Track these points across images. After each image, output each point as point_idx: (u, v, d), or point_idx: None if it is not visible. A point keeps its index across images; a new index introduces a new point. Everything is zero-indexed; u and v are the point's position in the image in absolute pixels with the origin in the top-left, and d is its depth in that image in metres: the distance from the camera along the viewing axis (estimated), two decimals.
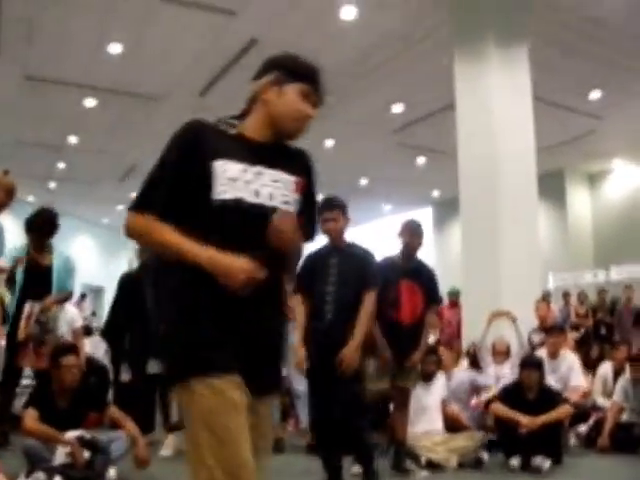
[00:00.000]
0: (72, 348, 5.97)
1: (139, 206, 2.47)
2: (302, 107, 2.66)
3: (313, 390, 5.43)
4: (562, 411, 6.55)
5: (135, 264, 8.28)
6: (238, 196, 2.38)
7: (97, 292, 25.42)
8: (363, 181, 21.45)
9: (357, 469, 5.63)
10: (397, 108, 15.31)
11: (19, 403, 6.90)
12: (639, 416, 7.34)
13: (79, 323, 7.73)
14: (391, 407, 6.65)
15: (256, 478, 2.22)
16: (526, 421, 6.31)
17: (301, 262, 3.05)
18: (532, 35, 10.81)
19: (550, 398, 6.64)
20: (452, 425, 7.21)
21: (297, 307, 5.42)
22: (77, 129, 16.44)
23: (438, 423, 7.05)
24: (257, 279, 2.25)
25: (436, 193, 23.49)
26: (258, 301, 2.36)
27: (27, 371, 7.39)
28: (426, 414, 6.99)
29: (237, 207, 2.37)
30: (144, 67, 12.79)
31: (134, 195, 2.57)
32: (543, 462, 6.19)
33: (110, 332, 8.29)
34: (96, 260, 25.90)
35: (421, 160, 19.42)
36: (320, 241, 5.33)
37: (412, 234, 6.30)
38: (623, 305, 14.13)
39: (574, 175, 21.29)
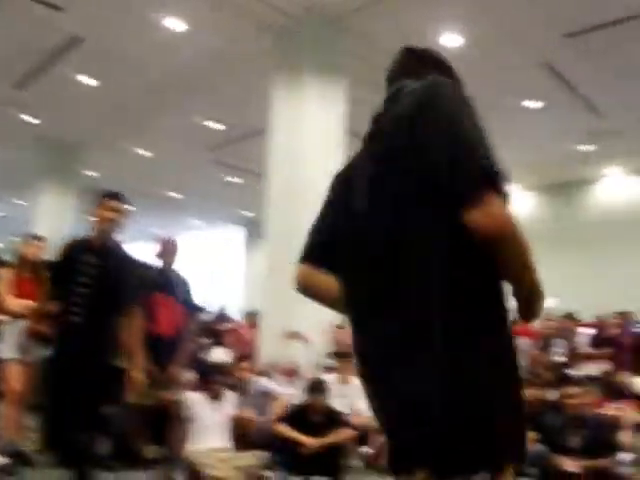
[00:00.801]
0: None
1: None
2: None
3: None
4: (344, 434, 6.78)
5: None
6: None
7: None
8: (175, 194, 21.35)
9: None
10: (215, 126, 15.38)
11: None
12: None
13: None
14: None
15: None
16: (309, 442, 6.48)
17: None
18: (350, 72, 11.15)
19: (334, 421, 6.86)
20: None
21: None
22: None
23: (225, 441, 7.09)
24: None
25: (248, 213, 23.68)
26: None
27: None
28: (213, 432, 7.01)
29: None
30: None
31: None
32: None
33: None
34: None
35: (235, 179, 19.56)
36: None
37: (167, 251, 6.53)
38: None
39: None
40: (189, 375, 7.25)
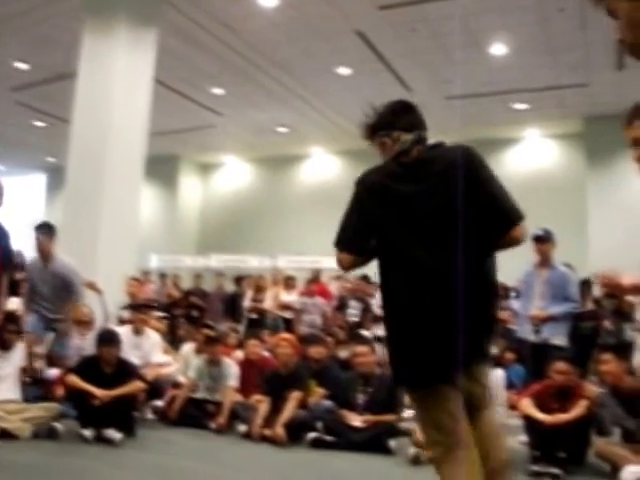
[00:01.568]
0: None
1: None
2: None
3: None
4: (135, 386, 6.77)
5: None
6: None
7: None
8: None
9: None
10: (20, 65, 14.71)
11: None
12: (211, 393, 7.78)
13: None
14: None
15: None
16: (99, 393, 6.44)
17: None
18: (164, 21, 11.02)
19: (126, 373, 6.84)
20: None
21: None
22: None
23: (15, 392, 6.93)
24: None
25: (51, 159, 22.91)
26: None
27: None
28: (3, 383, 6.84)
29: None
30: None
31: None
32: (115, 434, 6.35)
33: None
34: None
35: (39, 123, 18.86)
36: None
37: None
38: (214, 291, 14.81)
39: (188, 163, 22.03)
40: None
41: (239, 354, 8.84)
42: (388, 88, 14.67)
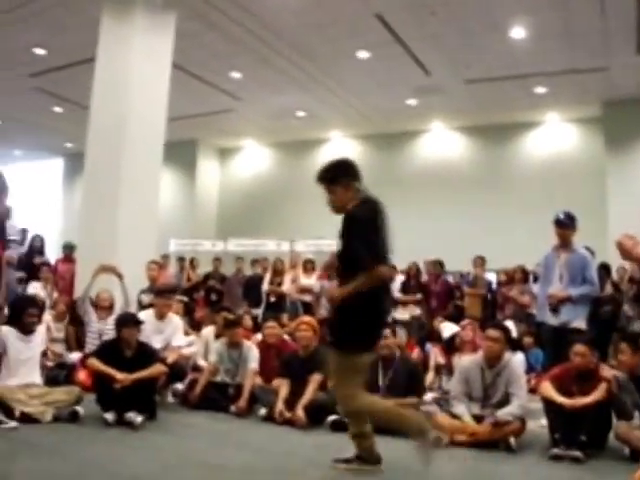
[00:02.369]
0: None
1: None
2: (326, 198, 5.01)
3: None
4: (156, 369, 6.81)
5: None
6: None
7: None
8: None
9: None
10: (39, 51, 14.74)
11: None
12: (232, 377, 7.81)
13: None
14: None
15: None
16: (120, 377, 6.48)
17: None
18: (181, 5, 11.01)
19: (147, 356, 6.87)
20: None
21: None
22: None
23: (36, 376, 6.97)
24: None
25: (69, 145, 22.97)
26: None
27: None
28: (25, 367, 6.88)
29: None
30: None
31: None
32: (136, 417, 6.39)
33: None
34: None
35: (58, 109, 18.91)
36: None
37: None
38: (233, 275, 14.83)
39: (207, 147, 22.03)
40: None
41: (258, 337, 8.86)
42: (407, 72, 14.64)
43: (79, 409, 6.61)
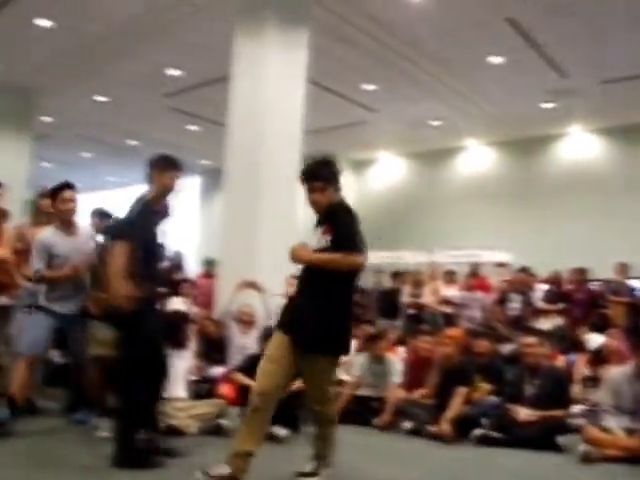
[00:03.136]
0: None
1: None
2: (307, 198, 4.84)
3: None
4: (299, 384, 6.79)
5: None
6: None
7: None
8: (132, 142, 21.08)
9: None
10: (173, 72, 15.13)
11: None
12: (375, 390, 7.75)
13: None
14: None
15: None
16: None
17: None
18: (313, 20, 11.06)
19: None
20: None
21: None
22: None
23: (182, 390, 7.07)
24: None
25: (205, 162, 23.48)
26: None
27: None
28: (175, 381, 6.99)
29: None
30: None
31: None
32: (280, 430, 6.40)
33: None
34: None
35: (193, 127, 19.37)
36: None
37: None
38: (373, 287, 14.78)
39: (342, 160, 21.86)
40: None
41: (401, 350, 8.76)
42: (541, 75, 14.26)
43: (223, 422, 6.66)
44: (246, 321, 8.69)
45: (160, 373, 5.52)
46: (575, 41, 12.63)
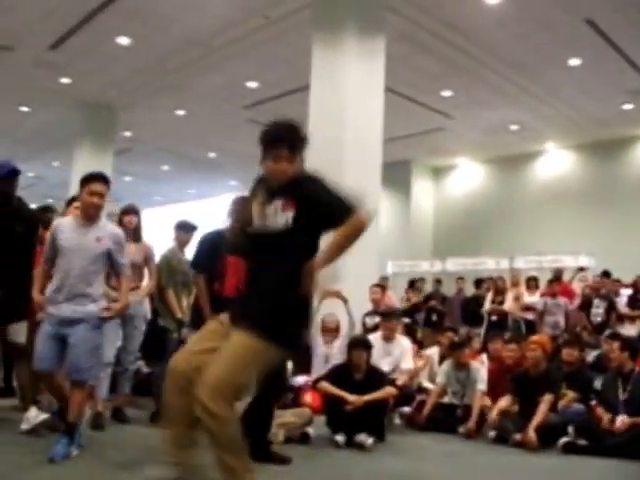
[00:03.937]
0: None
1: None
2: (270, 167, 3.69)
3: None
4: (387, 392, 6.80)
5: None
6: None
7: None
8: (211, 154, 21.38)
9: None
10: (252, 84, 15.33)
11: None
12: (459, 398, 7.72)
13: None
14: None
15: None
16: (352, 399, 6.53)
17: None
18: (390, 29, 11.08)
19: (376, 379, 6.88)
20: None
21: None
22: None
23: None
24: None
25: None
26: None
27: None
28: None
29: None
30: None
31: None
32: (366, 439, 6.40)
33: None
34: None
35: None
36: None
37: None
38: (454, 294, 14.70)
39: (420, 167, 22.05)
40: None
41: (484, 358, 8.69)
42: (621, 75, 14.03)
43: (310, 431, 6.70)
44: (329, 330, 8.71)
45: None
46: None
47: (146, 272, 7.18)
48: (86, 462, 5.10)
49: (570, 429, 6.73)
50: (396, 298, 13.62)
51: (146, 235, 7.27)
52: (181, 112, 17.71)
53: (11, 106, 17.98)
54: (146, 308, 7.74)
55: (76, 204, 6.83)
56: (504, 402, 7.20)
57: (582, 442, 6.55)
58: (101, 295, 5.48)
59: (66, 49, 13.74)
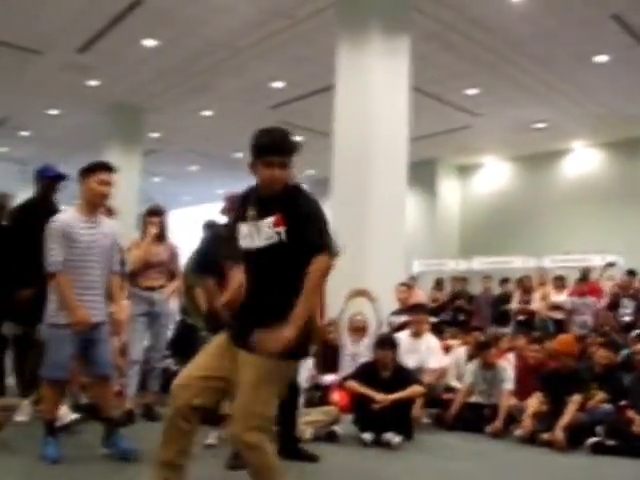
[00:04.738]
0: None
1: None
2: (265, 175, 3.59)
3: None
4: (414, 390, 6.82)
5: None
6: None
7: None
8: (238, 155, 21.41)
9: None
10: (277, 84, 15.37)
11: None
12: (486, 397, 7.71)
13: None
14: None
15: None
16: (379, 398, 6.55)
17: None
18: (415, 28, 11.07)
19: (404, 377, 6.90)
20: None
21: None
22: None
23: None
24: None
25: (311, 172, 23.66)
26: None
27: None
28: None
29: None
30: (23, 18, 12.37)
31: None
32: (394, 437, 6.43)
33: None
34: None
35: (298, 138, 19.52)
36: None
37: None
38: (481, 294, 14.64)
39: (446, 166, 21.98)
40: None
41: (510, 357, 8.67)
42: None
43: (337, 429, 6.74)
44: (357, 329, 8.73)
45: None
46: None
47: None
48: (115, 459, 5.19)
49: (599, 429, 6.71)
50: (423, 295, 13.58)
51: (175, 235, 7.33)
52: (208, 113, 17.77)
53: (41, 109, 18.13)
54: (173, 306, 7.81)
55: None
56: (535, 403, 7.17)
57: (611, 442, 6.52)
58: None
59: (94, 52, 13.83)
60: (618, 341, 9.94)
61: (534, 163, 20.50)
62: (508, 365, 7.92)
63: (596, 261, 15.30)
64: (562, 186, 19.74)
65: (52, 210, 6.29)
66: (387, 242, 9.95)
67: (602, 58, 13.34)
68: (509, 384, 7.57)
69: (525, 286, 12.99)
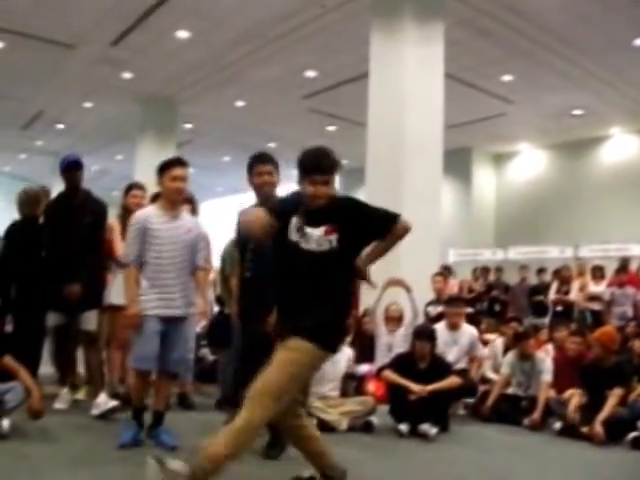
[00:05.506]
0: None
1: None
2: (310, 191, 4.00)
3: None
4: (451, 381, 6.75)
5: None
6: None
7: None
8: (271, 144, 21.39)
9: None
10: (310, 74, 15.32)
11: None
12: (524, 389, 7.61)
13: None
14: None
15: None
16: (416, 389, 6.50)
17: None
18: (449, 14, 10.97)
19: (441, 368, 6.84)
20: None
21: None
22: None
23: (336, 391, 7.11)
24: None
25: (345, 162, 23.58)
26: None
27: None
28: (332, 381, 7.05)
29: None
30: (57, 13, 12.46)
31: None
32: (430, 429, 6.37)
33: None
34: None
35: (331, 127, 19.51)
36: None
37: None
38: (517, 284, 14.50)
39: (481, 155, 21.79)
40: None
41: (549, 348, 8.56)
42: None
43: (373, 419, 6.71)
44: (393, 319, 8.67)
45: None
46: None
47: None
48: (151, 447, 5.20)
49: (639, 424, 6.59)
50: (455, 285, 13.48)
51: (208, 225, 7.31)
52: (241, 103, 17.77)
53: (75, 102, 18.26)
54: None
55: (134, 192, 7.04)
56: (578, 396, 7.05)
57: None
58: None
59: (127, 45, 13.90)
60: None
61: (571, 150, 20.24)
62: (546, 356, 7.80)
63: (636, 251, 15.11)
64: (600, 174, 19.48)
65: (78, 200, 6.64)
66: (422, 232, 9.82)
67: None
68: (547, 376, 7.46)
69: (563, 276, 12.83)
